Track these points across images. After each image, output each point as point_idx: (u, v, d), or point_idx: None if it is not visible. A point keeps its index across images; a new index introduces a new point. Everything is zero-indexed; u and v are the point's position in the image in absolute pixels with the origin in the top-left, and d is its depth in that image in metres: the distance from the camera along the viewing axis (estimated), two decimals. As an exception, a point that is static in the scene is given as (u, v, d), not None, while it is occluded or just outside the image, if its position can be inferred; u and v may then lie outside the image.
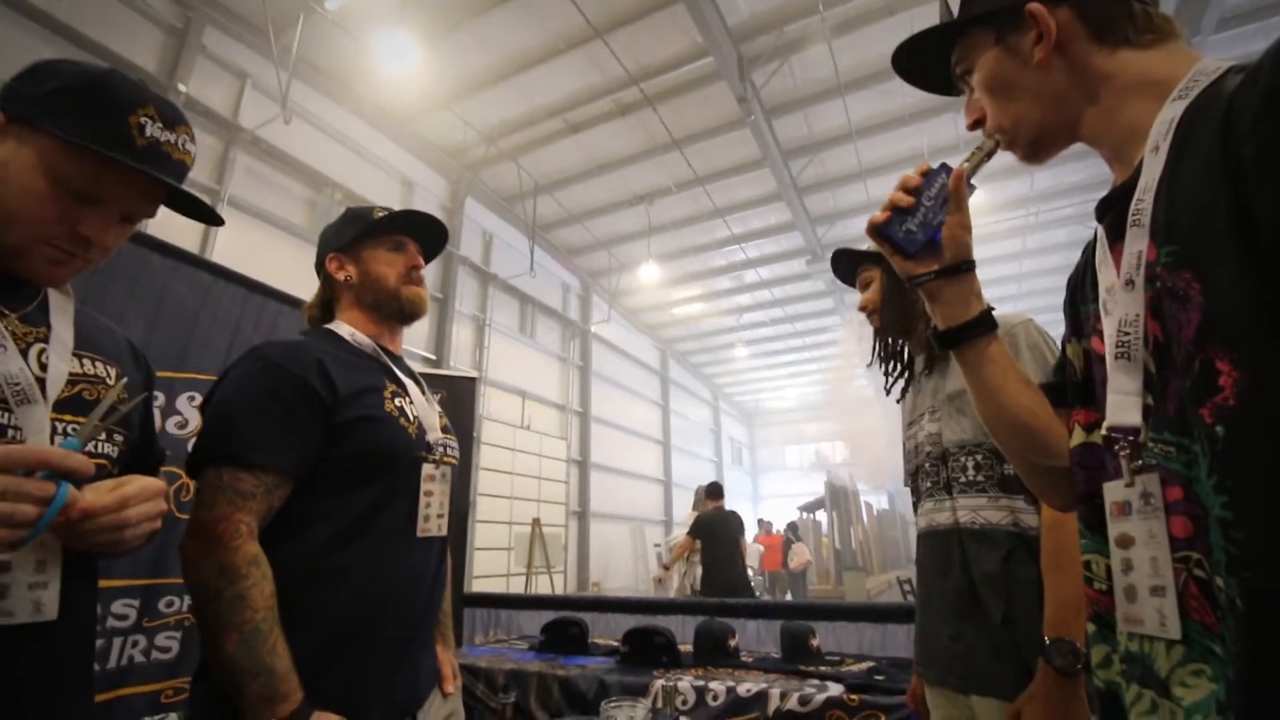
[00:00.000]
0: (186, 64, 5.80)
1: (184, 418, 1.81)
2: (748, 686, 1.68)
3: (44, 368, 0.74)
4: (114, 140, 0.73)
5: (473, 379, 3.17)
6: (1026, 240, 11.24)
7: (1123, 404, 0.49)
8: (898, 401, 1.37)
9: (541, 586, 8.23)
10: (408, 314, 1.19)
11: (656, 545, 13.73)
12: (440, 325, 8.76)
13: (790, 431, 23.70)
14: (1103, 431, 0.53)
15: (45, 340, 0.76)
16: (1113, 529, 0.51)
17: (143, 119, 0.76)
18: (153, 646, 1.64)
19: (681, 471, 16.38)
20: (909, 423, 1.27)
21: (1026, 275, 12.49)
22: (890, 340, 1.31)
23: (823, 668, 1.90)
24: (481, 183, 9.42)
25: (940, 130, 8.45)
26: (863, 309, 1.31)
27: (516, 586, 8.19)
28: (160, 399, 1.76)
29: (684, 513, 15.81)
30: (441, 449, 1.12)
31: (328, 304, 1.19)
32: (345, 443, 0.99)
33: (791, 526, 11.29)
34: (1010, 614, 1.01)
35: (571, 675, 1.87)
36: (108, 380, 0.81)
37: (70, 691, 0.75)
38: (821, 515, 12.54)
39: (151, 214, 0.84)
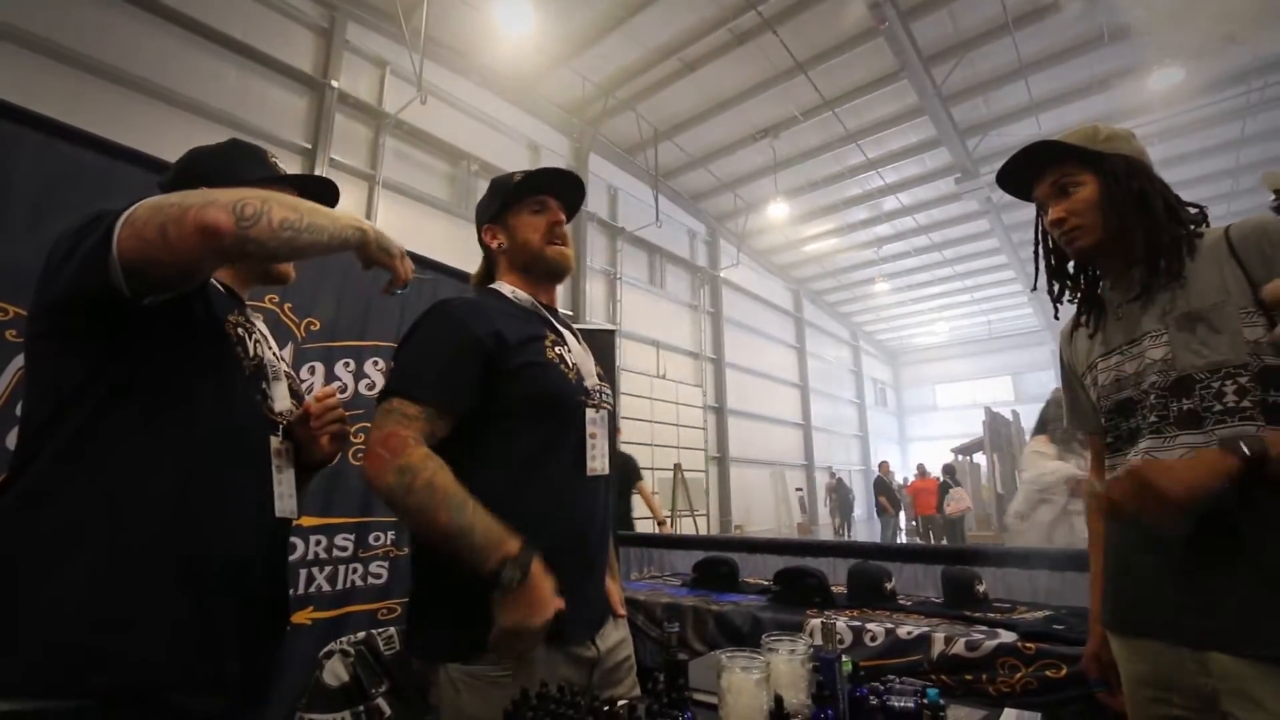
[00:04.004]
0: (335, 61, 6.35)
1: (371, 380, 2.06)
2: (908, 629, 1.63)
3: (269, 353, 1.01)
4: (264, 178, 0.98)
5: (611, 331, 3.27)
6: (1247, 125, 9.20)
7: None
8: (1076, 332, 1.19)
9: (685, 529, 8.54)
10: (555, 273, 1.25)
11: (798, 489, 13.63)
12: (574, 281, 9.10)
13: (940, 370, 22.03)
14: None
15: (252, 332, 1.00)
16: None
17: (270, 159, 1.05)
18: (368, 573, 1.95)
19: (821, 415, 15.94)
20: (1105, 353, 1.10)
21: (1245, 168, 10.28)
22: (1092, 262, 1.11)
23: (990, 614, 1.79)
24: (603, 137, 9.47)
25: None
26: (1058, 222, 1.08)
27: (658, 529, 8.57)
28: (351, 365, 2.02)
29: (826, 456, 15.47)
30: (599, 394, 1.19)
31: (489, 273, 1.28)
32: (514, 386, 1.08)
33: (948, 470, 10.58)
34: None
35: (725, 610, 1.94)
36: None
37: None
38: (980, 458, 11.64)
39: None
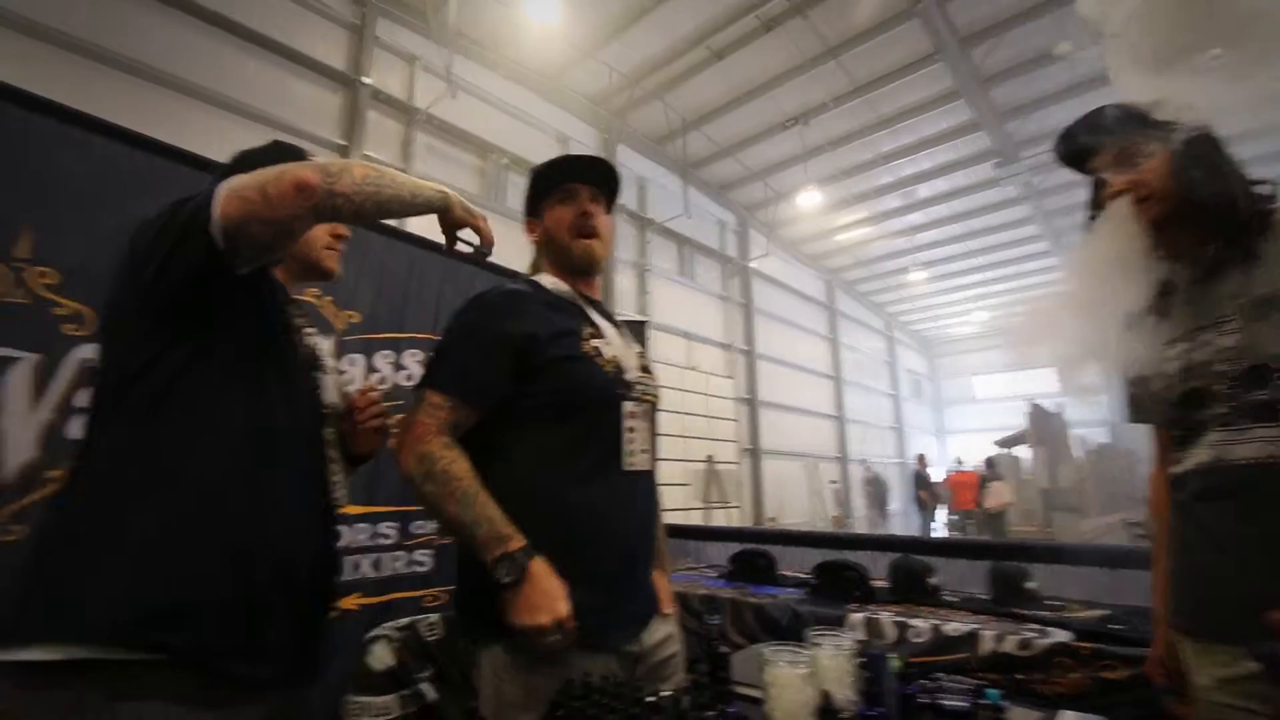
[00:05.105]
0: (367, 57, 6.43)
1: (409, 371, 2.09)
2: (955, 626, 1.59)
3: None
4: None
5: (642, 323, 3.26)
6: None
7: None
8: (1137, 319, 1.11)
9: (718, 521, 8.51)
10: (582, 268, 1.24)
11: (833, 482, 13.45)
12: (603, 274, 9.07)
13: (978, 360, 21.46)
14: None
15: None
16: None
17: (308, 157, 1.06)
18: (412, 561, 1.99)
19: (855, 407, 15.68)
20: (1170, 340, 1.03)
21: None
22: (1158, 237, 1.03)
23: (1042, 612, 1.73)
24: (630, 128, 9.42)
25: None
26: (1126, 189, 0.98)
27: (694, 521, 8.56)
28: (390, 356, 2.04)
29: (860, 449, 15.23)
30: (641, 387, 1.17)
31: (536, 266, 1.30)
32: (546, 380, 1.08)
33: (989, 463, 10.31)
34: None
35: (764, 603, 1.92)
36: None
37: None
38: (1022, 451, 11.33)
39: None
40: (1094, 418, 12.52)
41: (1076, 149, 1.09)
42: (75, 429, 1.37)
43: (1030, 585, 1.87)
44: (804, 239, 13.70)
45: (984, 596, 1.95)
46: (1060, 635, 1.48)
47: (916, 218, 12.65)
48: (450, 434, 1.04)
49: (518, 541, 0.96)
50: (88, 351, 1.39)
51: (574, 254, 1.22)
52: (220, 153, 1.19)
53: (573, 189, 1.23)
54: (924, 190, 11.52)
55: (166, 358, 0.81)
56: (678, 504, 8.67)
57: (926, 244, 13.90)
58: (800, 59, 8.04)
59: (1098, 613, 1.72)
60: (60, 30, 4.42)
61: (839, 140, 9.83)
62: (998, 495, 9.50)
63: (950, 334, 21.41)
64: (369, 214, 0.86)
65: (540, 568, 0.96)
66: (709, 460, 8.75)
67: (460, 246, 1.03)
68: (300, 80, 5.97)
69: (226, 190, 0.78)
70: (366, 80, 6.34)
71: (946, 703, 0.90)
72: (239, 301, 0.86)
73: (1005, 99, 8.86)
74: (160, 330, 0.82)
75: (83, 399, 1.38)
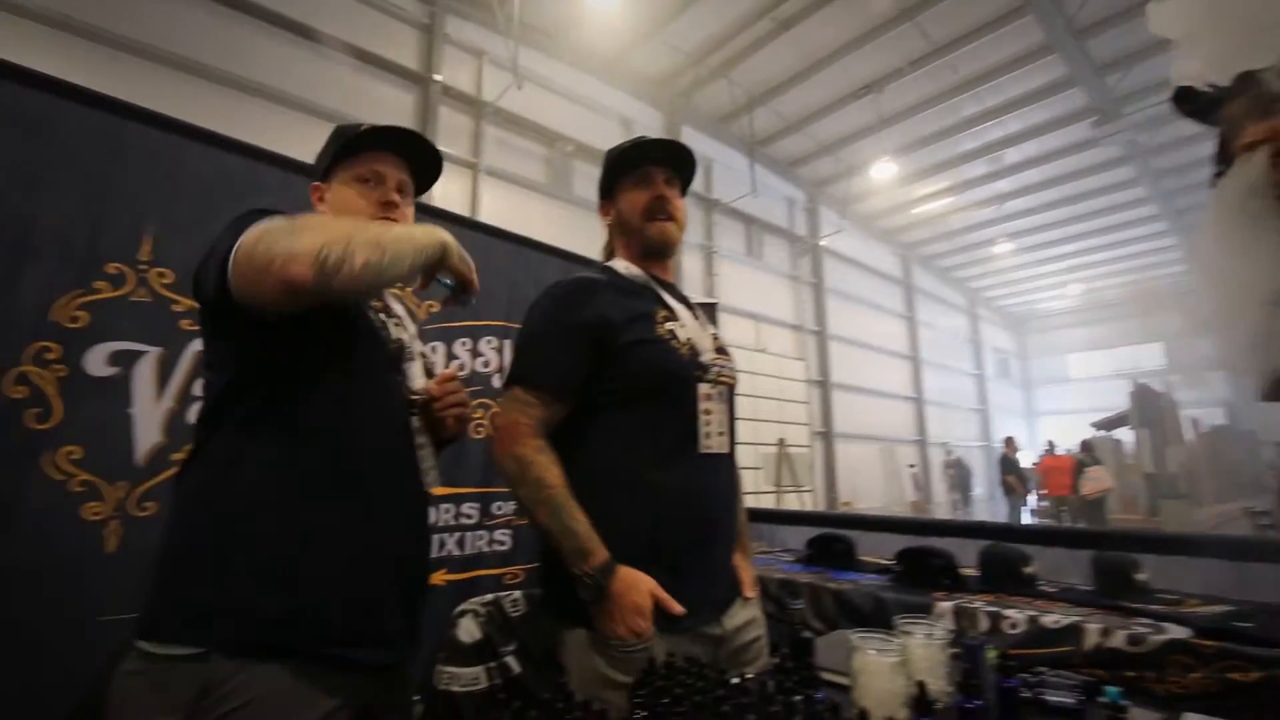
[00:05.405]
0: (437, 55, 6.62)
1: (486, 357, 2.16)
2: (1054, 618, 1.49)
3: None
4: (352, 143, 1.02)
5: (712, 304, 3.21)
6: None
7: None
8: None
9: (789, 506, 8.37)
10: (656, 251, 1.23)
11: (911, 466, 12.95)
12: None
13: (1073, 337, 20.00)
14: None
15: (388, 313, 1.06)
16: None
17: (361, 127, 1.04)
18: (493, 540, 2.07)
19: (935, 388, 14.99)
20: None
21: None
22: None
23: (1154, 606, 1.60)
24: (695, 108, 9.28)
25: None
26: (1263, 139, 0.86)
27: (765, 505, 8.46)
28: (468, 343, 2.12)
29: (940, 432, 14.56)
30: (717, 369, 1.16)
31: (609, 249, 1.30)
32: (622, 365, 1.09)
33: (1086, 447, 9.61)
34: None
35: (845, 589, 1.87)
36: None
37: None
38: (1124, 433, 10.50)
39: (406, 182, 1.08)
40: (1207, 398, 11.43)
41: (1198, 98, 0.97)
42: (194, 416, 1.50)
43: (1140, 577, 1.73)
44: (878, 214, 13.11)
45: (1086, 588, 1.82)
46: (1177, 631, 1.36)
47: (1003, 185, 11.84)
48: (543, 433, 1.06)
49: (599, 557, 0.98)
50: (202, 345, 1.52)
51: (648, 236, 1.21)
52: (308, 154, 1.25)
53: (647, 172, 1.21)
54: (1012, 155, 10.75)
55: (260, 374, 0.85)
56: (749, 488, 8.58)
57: (1015, 213, 12.99)
58: (873, 23, 7.64)
59: (1220, 608, 1.57)
60: (158, 47, 4.80)
61: (916, 107, 9.30)
62: (1096, 481, 8.84)
63: (1041, 309, 20.00)
64: (365, 295, 0.90)
65: (621, 584, 0.98)
66: (780, 444, 8.60)
67: (438, 287, 0.97)
68: (377, 82, 6.23)
69: (238, 259, 0.76)
70: (437, 77, 6.54)
71: (1052, 698, 0.85)
72: (316, 315, 0.86)
73: (1103, 51, 8.10)
74: (246, 342, 0.85)
75: (199, 388, 1.50)
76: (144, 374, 1.48)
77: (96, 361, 1.43)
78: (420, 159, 1.08)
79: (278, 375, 0.86)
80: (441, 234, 0.89)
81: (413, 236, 0.85)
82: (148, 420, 1.48)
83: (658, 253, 1.23)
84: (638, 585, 0.99)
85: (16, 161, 1.36)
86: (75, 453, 1.37)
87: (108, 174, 1.47)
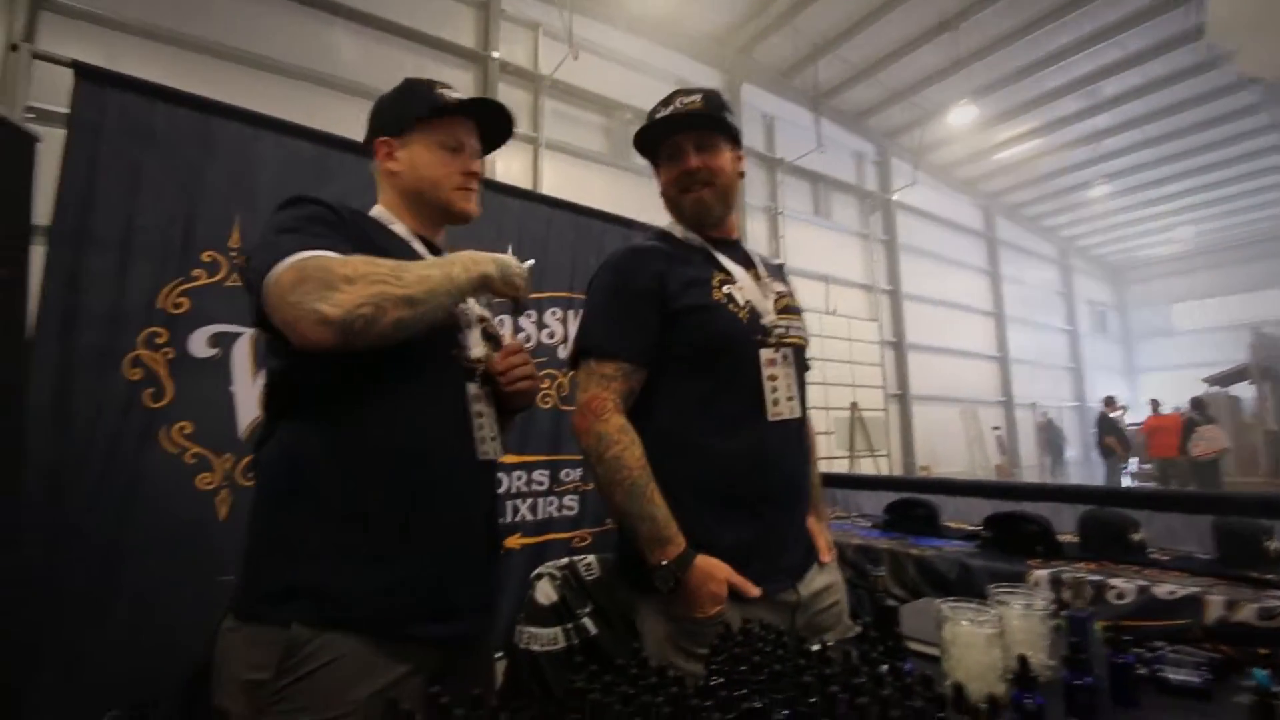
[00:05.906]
0: (494, 32, 6.62)
1: (551, 329, 2.19)
2: (1170, 589, 1.37)
3: None
4: (435, 106, 1.03)
5: (779, 265, 3.11)
6: None
7: None
8: None
9: (864, 470, 8.16)
10: (695, 222, 1.19)
11: (996, 429, 12.32)
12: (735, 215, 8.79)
13: (1180, 285, 18.22)
14: None
15: None
16: None
17: (439, 90, 1.07)
18: (562, 505, 2.14)
19: (1022, 345, 14.07)
20: None
21: None
22: None
23: (1287, 576, 1.44)
24: (755, 63, 8.89)
25: None
26: None
27: (838, 470, 8.28)
28: (533, 315, 2.15)
29: (1028, 391, 13.74)
30: (781, 330, 1.11)
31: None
32: (681, 331, 1.07)
33: (1197, 404, 8.80)
34: None
35: (927, 555, 1.79)
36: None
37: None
38: (1242, 389, 9.55)
39: (479, 149, 1.10)
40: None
41: None
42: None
43: (1273, 545, 1.56)
44: (956, 162, 12.26)
45: (1205, 556, 1.67)
46: (1319, 604, 1.22)
47: (1101, 121, 10.76)
48: (625, 407, 1.05)
49: (676, 547, 0.97)
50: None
51: (684, 209, 1.18)
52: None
53: (674, 143, 1.15)
54: (1110, 87, 9.74)
55: (306, 359, 0.84)
56: (821, 453, 8.41)
57: (1113, 152, 11.83)
58: (948, -48, 7.03)
59: (1370, 580, 1.40)
60: (243, 49, 5.05)
61: (997, 42, 8.54)
62: (1210, 440, 8.10)
63: (1143, 256, 18.27)
64: (396, 339, 0.83)
65: (698, 576, 0.97)
66: (853, 407, 8.35)
67: (497, 301, 0.99)
68: (437, 64, 6.30)
69: (269, 296, 0.77)
70: (495, 54, 6.55)
71: (1174, 677, 0.77)
72: None
73: (1225, -44, 7.12)
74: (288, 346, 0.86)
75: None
76: (241, 353, 1.59)
77: (199, 343, 1.54)
78: (493, 129, 1.13)
79: (329, 360, 0.87)
80: (484, 265, 0.90)
81: (452, 279, 0.86)
82: (246, 396, 1.59)
83: (698, 223, 1.20)
84: (714, 574, 0.98)
85: (126, 164, 1.47)
86: (187, 427, 1.50)
87: (199, 168, 1.57)
